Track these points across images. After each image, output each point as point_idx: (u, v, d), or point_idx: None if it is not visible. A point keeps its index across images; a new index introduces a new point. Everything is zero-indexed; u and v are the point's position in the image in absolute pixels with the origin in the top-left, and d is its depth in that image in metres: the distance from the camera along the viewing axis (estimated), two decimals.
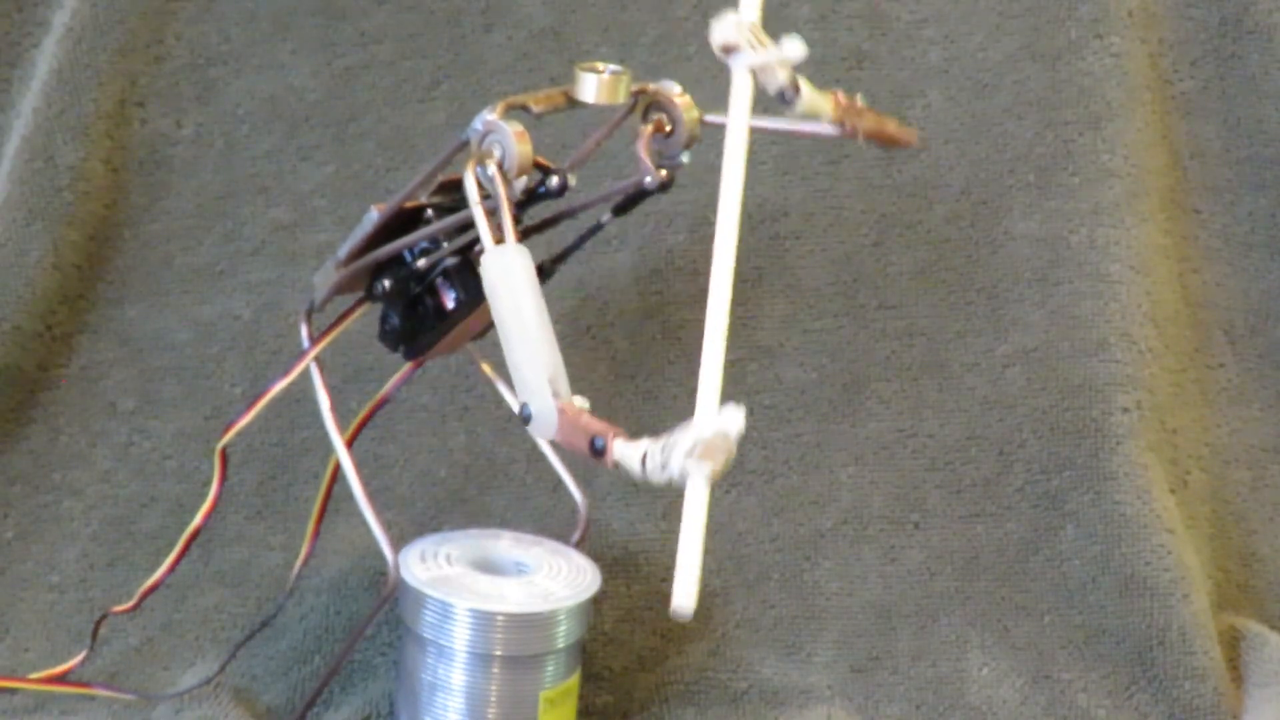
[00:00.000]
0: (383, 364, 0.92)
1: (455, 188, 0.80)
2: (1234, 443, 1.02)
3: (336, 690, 0.87)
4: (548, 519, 0.96)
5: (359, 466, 0.81)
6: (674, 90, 0.80)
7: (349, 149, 0.99)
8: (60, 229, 0.96)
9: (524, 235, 0.81)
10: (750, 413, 0.98)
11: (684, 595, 0.61)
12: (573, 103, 0.78)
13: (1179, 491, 0.99)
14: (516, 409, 0.69)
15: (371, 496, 0.81)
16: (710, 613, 0.94)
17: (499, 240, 0.70)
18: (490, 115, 0.74)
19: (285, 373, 0.83)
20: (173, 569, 0.87)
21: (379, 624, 0.89)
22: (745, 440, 0.98)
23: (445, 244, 0.81)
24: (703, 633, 0.93)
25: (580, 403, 0.68)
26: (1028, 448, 0.98)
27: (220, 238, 0.99)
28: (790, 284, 1.00)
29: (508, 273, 0.69)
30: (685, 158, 0.80)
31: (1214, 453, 1.02)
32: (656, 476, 0.64)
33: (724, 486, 0.97)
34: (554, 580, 0.83)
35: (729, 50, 0.74)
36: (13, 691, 0.86)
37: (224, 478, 0.85)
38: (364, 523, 0.81)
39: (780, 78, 0.76)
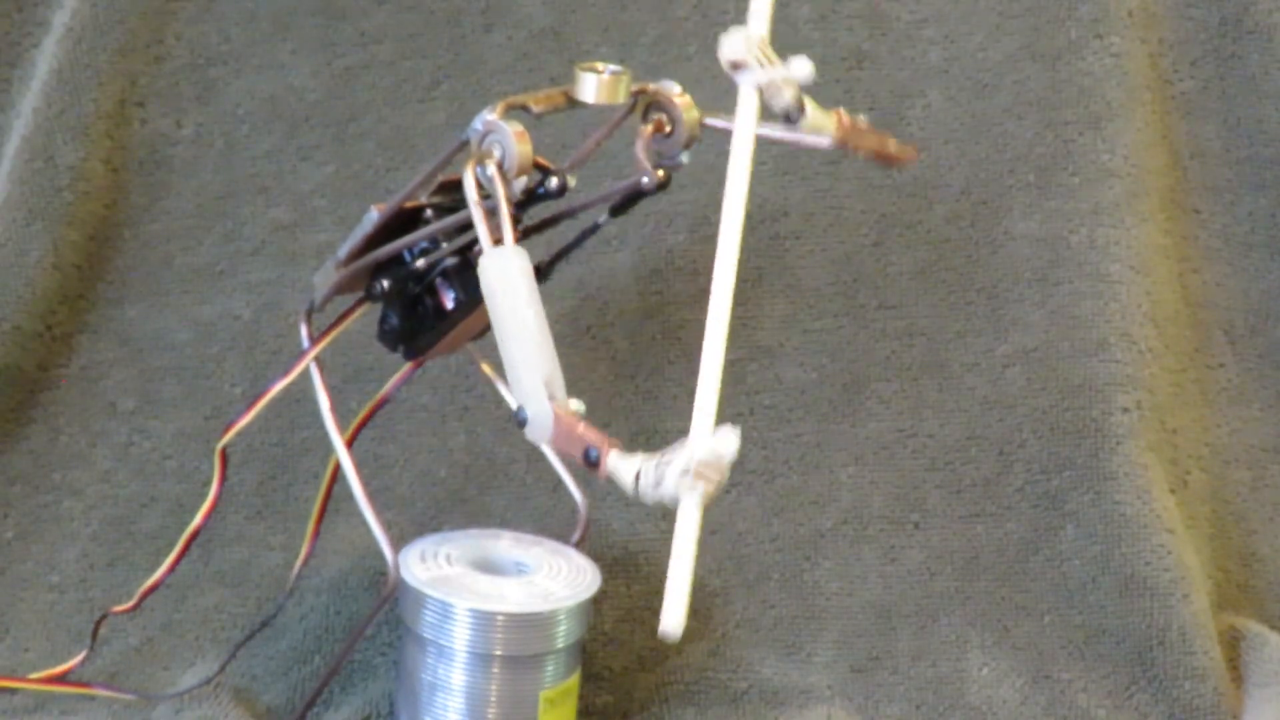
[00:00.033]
0: (383, 364, 0.92)
1: (455, 188, 0.80)
2: (1234, 443, 1.02)
3: (336, 690, 0.87)
4: (548, 519, 0.96)
5: (359, 466, 0.81)
6: (674, 90, 0.80)
7: (349, 149, 0.99)
8: (60, 229, 0.96)
9: (524, 235, 0.81)
10: (750, 413, 1.00)
11: (673, 618, 0.61)
12: (573, 103, 0.78)
13: (1179, 491, 0.99)
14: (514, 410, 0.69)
15: (371, 496, 0.81)
16: (710, 613, 0.94)
17: (497, 241, 0.70)
18: (490, 115, 0.74)
19: (285, 373, 0.82)
20: (173, 569, 0.87)
21: (379, 624, 0.89)
22: (745, 440, 0.98)
23: (445, 244, 0.81)
24: (703, 633, 0.93)
25: (576, 406, 0.67)
26: (1028, 448, 0.98)
27: (220, 238, 0.99)
28: (790, 284, 1.00)
29: (505, 275, 0.69)
30: (685, 158, 0.80)
31: (1214, 453, 1.02)
32: (649, 494, 0.64)
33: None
34: (554, 580, 0.83)
35: (737, 67, 0.74)
36: (13, 691, 0.86)
37: (224, 478, 0.85)
38: (364, 523, 0.81)
39: (786, 97, 0.76)
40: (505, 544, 0.86)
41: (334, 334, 0.83)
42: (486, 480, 0.98)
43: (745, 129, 0.72)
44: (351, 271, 0.82)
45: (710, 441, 0.64)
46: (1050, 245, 1.00)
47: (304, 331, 0.83)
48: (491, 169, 0.72)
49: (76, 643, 0.89)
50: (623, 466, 0.65)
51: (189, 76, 0.99)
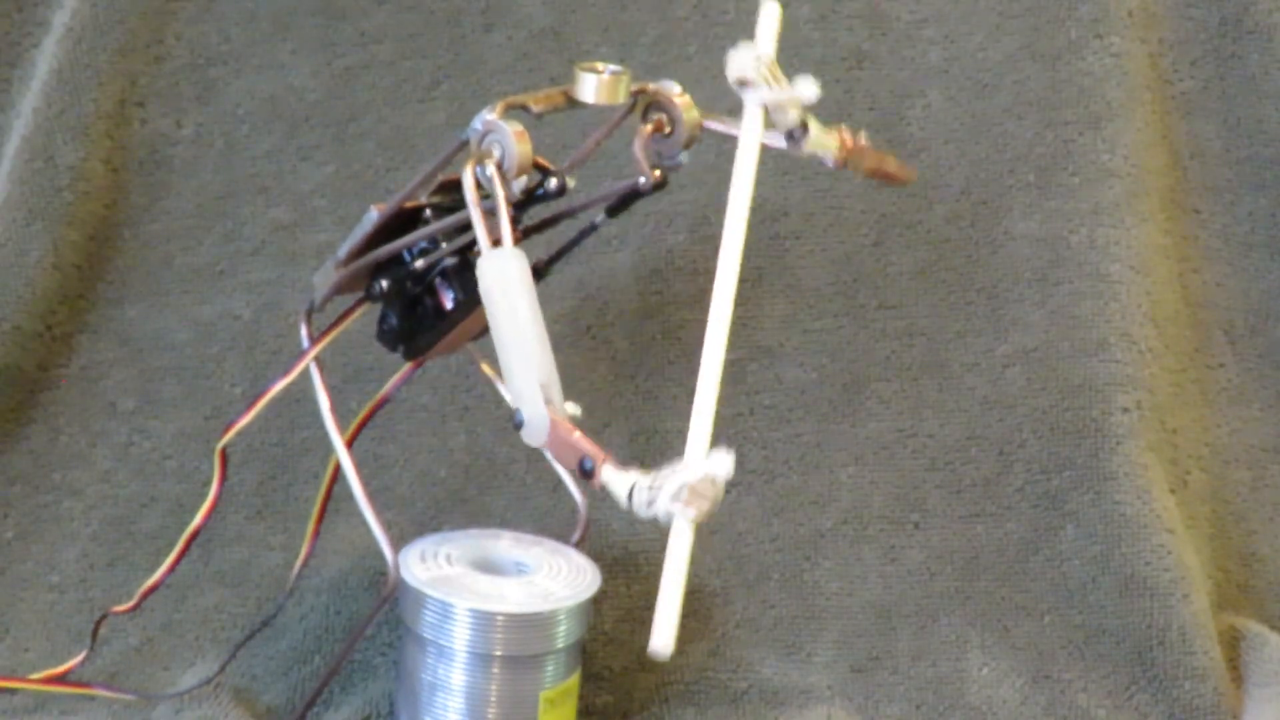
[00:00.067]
0: (383, 364, 0.92)
1: (455, 188, 0.80)
2: (1234, 443, 1.02)
3: (336, 690, 0.87)
4: (548, 519, 0.96)
5: (359, 466, 0.81)
6: (674, 90, 0.80)
7: (349, 149, 0.99)
8: (60, 229, 0.96)
9: (523, 236, 0.81)
10: (750, 413, 1.00)
11: (662, 637, 0.61)
12: (572, 103, 0.78)
13: (1179, 491, 0.99)
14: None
15: (371, 496, 0.81)
16: (710, 613, 0.94)
17: (496, 242, 0.70)
18: (490, 115, 0.73)
19: (285, 373, 0.83)
20: (173, 569, 0.87)
21: (379, 624, 0.89)
22: (745, 440, 0.99)
23: (444, 244, 0.81)
24: (703, 633, 0.93)
25: (572, 409, 0.67)
26: (1028, 448, 0.98)
27: (220, 238, 0.99)
28: (790, 284, 1.00)
29: (503, 277, 0.69)
30: (684, 158, 0.80)
31: (1214, 453, 1.02)
32: (642, 512, 0.64)
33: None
34: (554, 580, 0.83)
35: (744, 84, 0.74)
36: (13, 691, 0.86)
37: (224, 478, 0.85)
38: (364, 523, 0.81)
39: (791, 116, 0.77)
40: (505, 544, 0.86)
41: (334, 334, 0.83)
42: (486, 480, 0.98)
43: (749, 147, 0.72)
44: (351, 271, 0.82)
45: (704, 465, 0.64)
46: (1050, 245, 1.00)
47: (304, 331, 0.83)
48: (491, 169, 0.72)
49: (76, 643, 0.89)
50: (617, 480, 0.65)
51: (189, 76, 0.99)
